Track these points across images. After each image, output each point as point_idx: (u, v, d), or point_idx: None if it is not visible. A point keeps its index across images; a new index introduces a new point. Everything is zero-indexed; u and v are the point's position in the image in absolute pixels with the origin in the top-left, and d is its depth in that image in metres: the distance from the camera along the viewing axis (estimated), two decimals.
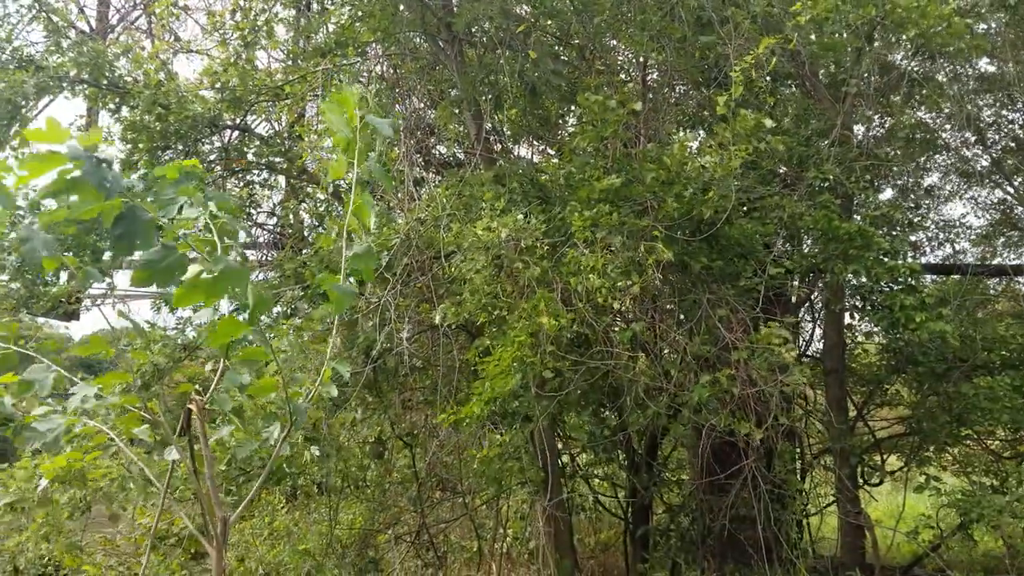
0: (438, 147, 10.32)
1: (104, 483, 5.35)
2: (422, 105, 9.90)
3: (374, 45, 9.53)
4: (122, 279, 10.79)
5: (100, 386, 2.65)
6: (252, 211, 10.88)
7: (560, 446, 8.51)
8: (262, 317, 2.56)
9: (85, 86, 9.12)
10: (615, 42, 9.08)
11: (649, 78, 8.63)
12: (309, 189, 10.58)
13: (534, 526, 7.83)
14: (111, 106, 9.41)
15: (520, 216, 6.24)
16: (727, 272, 6.66)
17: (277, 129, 10.92)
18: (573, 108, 9.07)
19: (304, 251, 9.68)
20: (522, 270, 5.60)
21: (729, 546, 7.65)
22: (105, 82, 9.05)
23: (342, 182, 9.62)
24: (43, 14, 9.81)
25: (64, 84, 9.10)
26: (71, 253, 7.35)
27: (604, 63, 7.88)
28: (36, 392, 2.67)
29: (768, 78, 7.41)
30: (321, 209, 10.27)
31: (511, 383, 5.36)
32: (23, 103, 9.14)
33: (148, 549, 5.85)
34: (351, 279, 2.78)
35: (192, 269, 2.29)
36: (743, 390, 5.90)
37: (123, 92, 9.06)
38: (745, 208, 7.16)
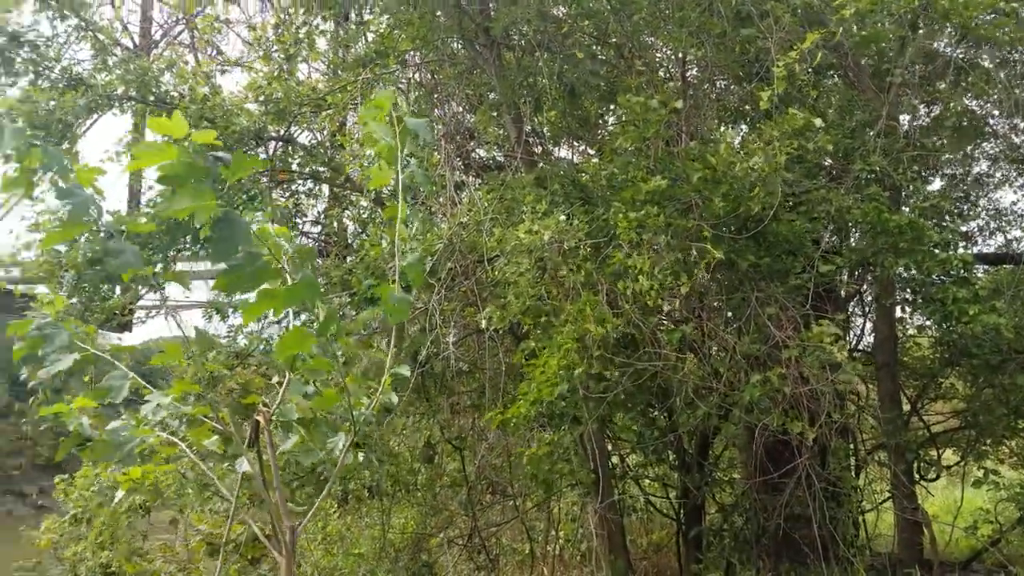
0: (477, 151, 10.38)
1: (163, 488, 5.47)
2: (460, 110, 9.97)
3: (412, 53, 9.62)
4: (173, 289, 10.99)
5: (172, 395, 2.72)
6: (297, 220, 11.03)
7: (609, 447, 8.50)
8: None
9: (132, 102, 9.32)
10: (652, 39, 9.05)
11: (688, 74, 8.59)
12: (352, 197, 10.70)
13: (586, 528, 7.84)
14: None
15: (562, 218, 6.26)
16: (775, 269, 6.60)
17: (320, 139, 11.06)
18: (613, 107, 9.07)
19: (348, 258, 9.80)
20: (567, 274, 5.61)
21: (784, 545, 7.58)
22: (152, 98, 9.24)
23: (384, 189, 9.73)
24: (90, 33, 10.04)
25: (113, 101, 9.32)
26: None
27: (644, 62, 7.85)
28: (111, 398, 2.74)
29: (811, 70, 7.34)
30: (364, 216, 10.39)
31: (557, 390, 5.38)
32: (74, 121, 9.39)
33: (221, 557, 5.96)
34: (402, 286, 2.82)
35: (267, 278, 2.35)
36: (795, 388, 5.86)
37: (170, 107, 9.23)
38: (791, 202, 7.10)
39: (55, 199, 2.35)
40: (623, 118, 6.92)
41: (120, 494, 5.19)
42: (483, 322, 6.16)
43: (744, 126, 9.16)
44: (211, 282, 10.89)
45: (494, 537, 8.34)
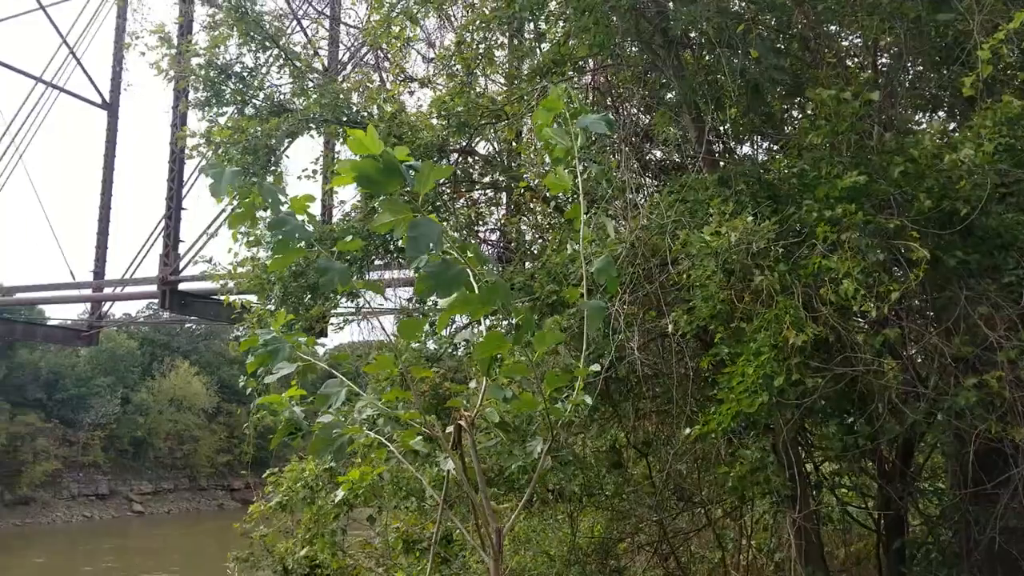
0: (654, 152, 10.30)
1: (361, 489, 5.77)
2: (636, 111, 9.93)
3: (588, 59, 9.68)
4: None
5: (385, 399, 2.89)
6: (478, 228, 11.36)
7: (803, 455, 8.18)
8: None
9: (326, 124, 9.93)
10: (836, 28, 8.65)
11: (879, 62, 8.15)
12: (531, 205, 10.88)
13: (780, 537, 7.58)
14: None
15: (749, 219, 6.09)
16: (985, 266, 6.14)
17: (498, 149, 11.33)
18: (799, 102, 8.74)
19: (528, 264, 9.98)
20: (759, 277, 5.45)
21: (998, 560, 7.02)
22: (344, 118, 9.79)
23: (562, 195, 9.83)
24: (289, 61, 10.79)
25: (310, 124, 9.97)
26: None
27: (833, 53, 7.52)
28: (330, 404, 2.95)
29: (1019, 52, 6.78)
30: (545, 223, 10.55)
31: (757, 400, 5.23)
32: (276, 144, 10.12)
33: (431, 557, 6.23)
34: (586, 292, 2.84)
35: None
36: (1013, 392, 5.42)
37: (361, 127, 9.75)
38: (1000, 194, 6.58)
39: (269, 228, 2.57)
40: (813, 113, 6.64)
41: (340, 494, 5.51)
42: (670, 327, 6.09)
43: (941, 114, 8.59)
44: (398, 291, 11.36)
45: (683, 544, 8.22)
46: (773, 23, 8.67)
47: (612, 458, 8.10)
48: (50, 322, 34.12)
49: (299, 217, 2.59)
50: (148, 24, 12.09)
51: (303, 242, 2.57)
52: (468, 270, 2.40)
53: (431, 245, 2.34)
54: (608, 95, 10.00)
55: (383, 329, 10.84)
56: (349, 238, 7.73)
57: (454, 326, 8.56)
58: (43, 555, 38.11)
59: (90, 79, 23.24)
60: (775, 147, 9.61)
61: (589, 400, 2.88)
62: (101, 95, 23.49)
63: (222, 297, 15.71)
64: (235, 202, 2.67)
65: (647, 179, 9.61)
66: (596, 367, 2.93)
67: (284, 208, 2.57)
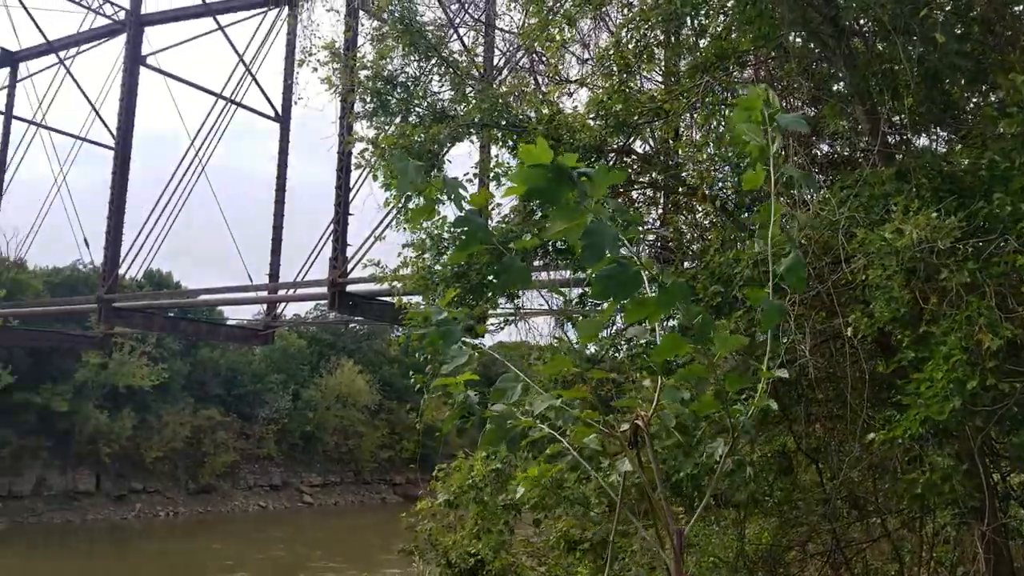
0: (821, 146, 9.91)
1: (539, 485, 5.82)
2: (801, 104, 9.58)
3: (750, 53, 9.41)
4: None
5: (563, 397, 2.92)
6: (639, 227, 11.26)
7: (989, 464, 7.64)
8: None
9: (485, 128, 10.15)
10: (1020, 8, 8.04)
11: None
12: (692, 204, 10.69)
13: (962, 551, 7.11)
14: (509, 143, 10.36)
15: (933, 215, 5.74)
16: None
17: (656, 148, 11.21)
18: (982, 88, 8.17)
19: (688, 264, 9.82)
20: (947, 276, 5.12)
21: None
22: (504, 122, 9.97)
23: (728, 194, 9.61)
24: (450, 69, 11.10)
25: (471, 129, 10.22)
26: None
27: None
28: (506, 398, 3.00)
29: None
30: (705, 222, 10.34)
31: (948, 406, 4.92)
32: (438, 150, 10.43)
33: (609, 558, 6.26)
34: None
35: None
36: None
37: (519, 130, 9.91)
38: None
39: (454, 225, 2.64)
40: (999, 100, 6.19)
41: (520, 491, 5.62)
42: (847, 330, 5.82)
43: None
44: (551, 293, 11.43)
45: (857, 555, 7.84)
46: (949, 7, 8.16)
47: (781, 463, 7.84)
48: (228, 323, 36.55)
49: (479, 216, 2.66)
50: (317, 41, 12.70)
51: (483, 240, 2.63)
52: (644, 273, 2.39)
53: (607, 250, 2.34)
54: (771, 88, 9.71)
55: (538, 329, 10.95)
56: (527, 236, 7.89)
57: (613, 328, 8.55)
58: (220, 542, 40.86)
59: (264, 94, 24.74)
60: (956, 138, 9.03)
61: (774, 404, 2.81)
62: (274, 108, 24.95)
63: (387, 298, 16.36)
64: (407, 201, 2.77)
65: (815, 174, 9.25)
66: (784, 372, 2.85)
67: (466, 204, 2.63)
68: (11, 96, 31.00)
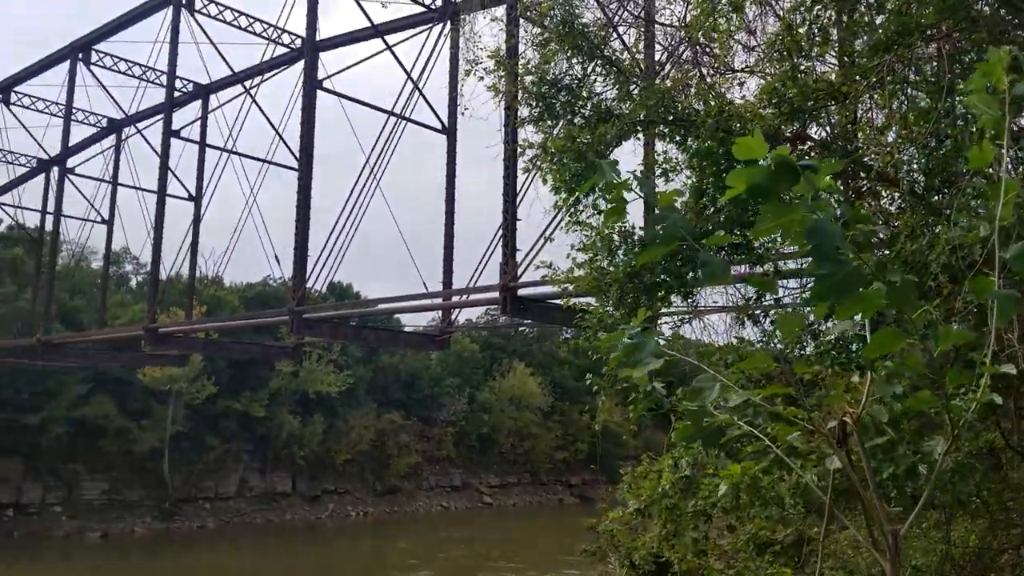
0: (1018, 120, 9.15)
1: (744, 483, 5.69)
2: None
3: (935, 27, 8.82)
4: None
5: (762, 395, 2.85)
6: None
7: None
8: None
9: (652, 125, 10.05)
10: None
11: None
12: (876, 188, 10.14)
13: None
14: (676, 138, 10.21)
15: None
16: None
17: (832, 133, 10.73)
18: None
19: (878, 252, 9.31)
20: None
21: None
22: (671, 117, 9.84)
23: (917, 176, 9.05)
24: (613, 68, 11.07)
25: (637, 127, 10.15)
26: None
27: None
28: (702, 400, 2.96)
29: None
30: (891, 208, 9.78)
31: None
32: (604, 151, 10.42)
33: (819, 560, 6.08)
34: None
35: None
36: None
37: (687, 124, 9.75)
38: None
39: (652, 222, 2.62)
40: None
41: (723, 488, 5.54)
42: None
43: None
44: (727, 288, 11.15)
45: None
46: None
47: (989, 461, 7.29)
48: (406, 330, 38.04)
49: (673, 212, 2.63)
50: (481, 52, 13.00)
51: (681, 236, 2.59)
52: (862, 269, 2.28)
53: (836, 250, 2.24)
54: (958, 62, 9.05)
55: (713, 327, 10.69)
56: (721, 232, 7.77)
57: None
58: (405, 541, 42.57)
59: (431, 108, 25.57)
60: None
61: (998, 399, 2.62)
62: (441, 121, 25.76)
63: (557, 301, 16.49)
64: (575, 203, 2.76)
65: (1015, 151, 8.55)
66: (1010, 367, 2.66)
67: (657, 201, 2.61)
68: (204, 126, 33.64)
